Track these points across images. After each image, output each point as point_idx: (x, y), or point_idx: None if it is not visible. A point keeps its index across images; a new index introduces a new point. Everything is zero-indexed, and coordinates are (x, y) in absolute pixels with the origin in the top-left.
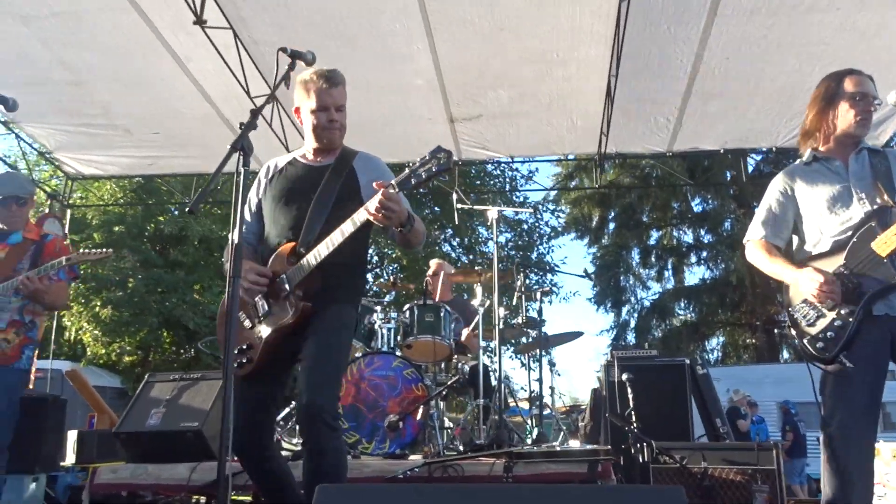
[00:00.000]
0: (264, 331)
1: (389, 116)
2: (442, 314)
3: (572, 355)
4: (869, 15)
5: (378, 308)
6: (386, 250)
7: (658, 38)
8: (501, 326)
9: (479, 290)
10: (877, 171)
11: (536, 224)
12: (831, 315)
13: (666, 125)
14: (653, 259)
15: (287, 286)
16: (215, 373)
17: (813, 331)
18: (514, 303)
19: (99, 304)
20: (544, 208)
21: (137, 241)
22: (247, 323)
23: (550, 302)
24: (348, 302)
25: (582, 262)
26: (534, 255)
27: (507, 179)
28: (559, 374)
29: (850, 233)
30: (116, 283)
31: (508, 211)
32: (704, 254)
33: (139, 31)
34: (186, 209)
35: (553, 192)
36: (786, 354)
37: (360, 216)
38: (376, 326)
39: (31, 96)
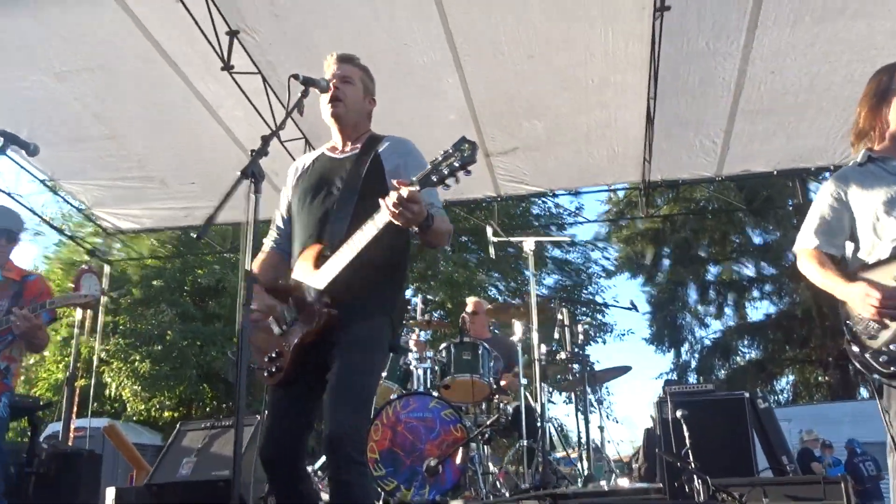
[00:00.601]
0: (292, 338)
1: (425, 154)
2: (480, 352)
3: (632, 401)
4: None
5: (414, 348)
6: (429, 295)
7: (697, 55)
8: (543, 363)
9: (518, 326)
10: None
11: (585, 264)
12: (894, 326)
13: (712, 148)
14: (711, 295)
15: (312, 292)
16: (247, 417)
17: (875, 343)
18: (555, 337)
19: (138, 358)
20: (592, 248)
21: (176, 295)
22: (276, 330)
23: (604, 342)
24: (382, 315)
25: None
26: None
27: (553, 216)
28: (618, 422)
29: None
30: (155, 337)
31: (546, 240)
32: (767, 287)
33: (170, 80)
34: (194, 235)
35: (603, 231)
36: (864, 393)
37: (382, 217)
38: (412, 367)
39: (69, 153)
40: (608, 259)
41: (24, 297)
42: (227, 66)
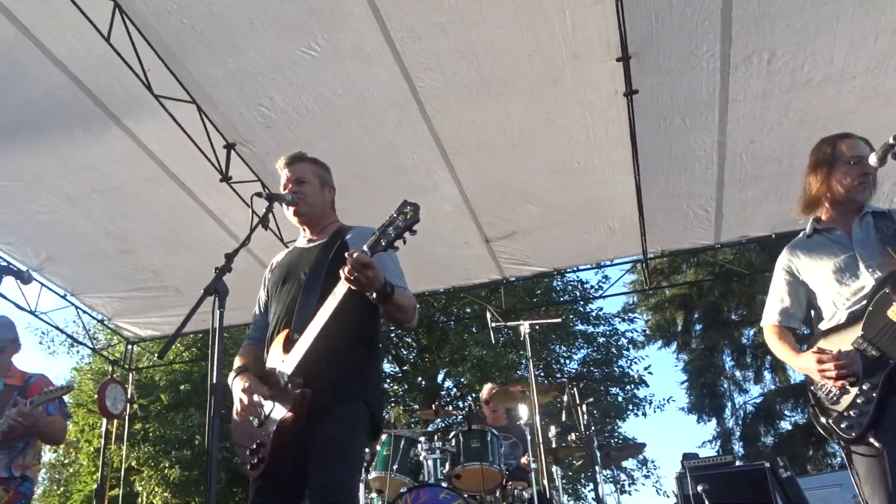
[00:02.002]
0: (271, 426)
1: (426, 245)
2: (489, 438)
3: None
4: (889, 80)
5: (422, 439)
6: (462, 380)
7: (674, 132)
8: (553, 445)
9: (523, 409)
10: (884, 235)
11: (613, 336)
12: (854, 391)
13: (706, 217)
14: (748, 359)
15: (284, 377)
16: None
17: (838, 408)
18: (562, 419)
19: (167, 465)
20: (619, 320)
21: (203, 397)
22: (255, 421)
23: (645, 414)
24: (358, 398)
25: (672, 371)
26: (616, 369)
27: (579, 291)
28: (668, 495)
29: (864, 302)
30: (184, 441)
31: (540, 322)
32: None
33: (175, 195)
34: (157, 355)
35: (632, 301)
36: None
37: (341, 287)
38: (421, 458)
39: (86, 268)
40: (635, 331)
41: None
42: (226, 178)
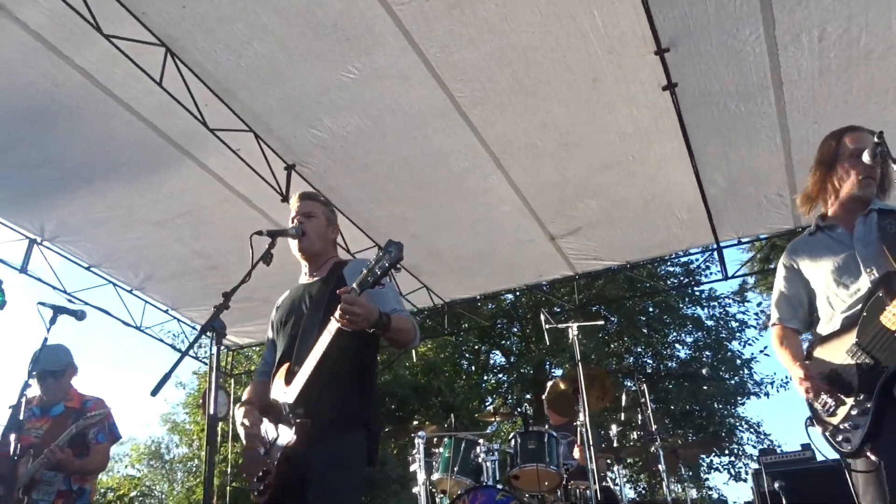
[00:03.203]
0: (276, 454)
1: (491, 246)
2: (546, 439)
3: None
4: None
5: (481, 441)
6: (559, 370)
7: (730, 118)
8: (615, 444)
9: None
10: (885, 234)
11: (723, 319)
12: (850, 402)
13: (781, 201)
14: None
15: (286, 407)
16: None
17: (834, 421)
18: (621, 417)
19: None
20: (730, 302)
21: None
22: (261, 450)
23: (767, 395)
24: (357, 427)
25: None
26: (728, 353)
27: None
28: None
29: (859, 306)
30: None
31: (587, 325)
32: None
33: (248, 214)
34: (150, 393)
35: (750, 280)
36: None
37: (332, 325)
38: (480, 460)
39: (182, 285)
40: (746, 312)
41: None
42: (286, 198)
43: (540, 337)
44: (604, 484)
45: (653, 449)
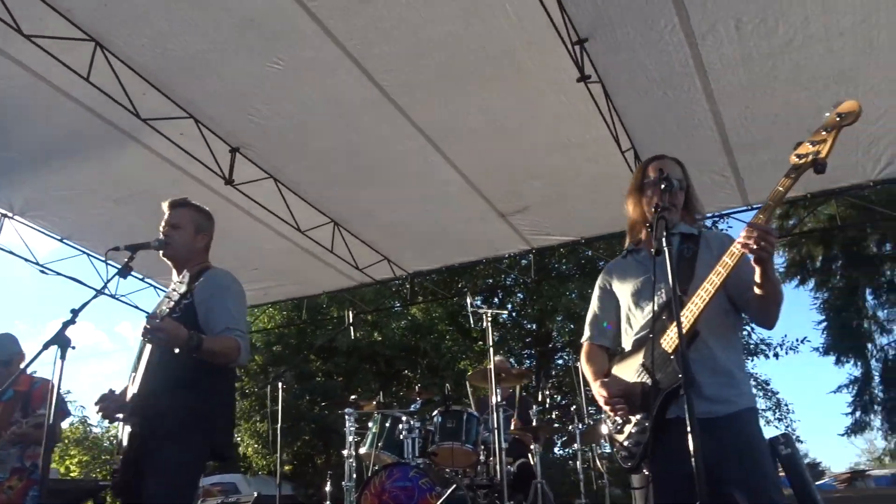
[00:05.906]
0: (122, 450)
1: (444, 222)
2: (464, 418)
3: (810, 418)
4: (883, 33)
5: (404, 418)
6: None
7: (659, 104)
8: (535, 424)
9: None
10: (680, 258)
11: None
12: (634, 419)
13: (725, 182)
14: (889, 298)
15: (122, 415)
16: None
17: (620, 438)
18: (538, 397)
19: (258, 419)
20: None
21: (295, 357)
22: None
23: (777, 356)
24: (193, 432)
25: (807, 311)
26: None
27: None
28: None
29: (647, 329)
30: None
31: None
32: None
33: (200, 192)
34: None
35: None
36: None
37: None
38: (401, 437)
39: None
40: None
41: (31, 405)
42: (228, 181)
43: (536, 297)
44: (522, 460)
45: (570, 427)
